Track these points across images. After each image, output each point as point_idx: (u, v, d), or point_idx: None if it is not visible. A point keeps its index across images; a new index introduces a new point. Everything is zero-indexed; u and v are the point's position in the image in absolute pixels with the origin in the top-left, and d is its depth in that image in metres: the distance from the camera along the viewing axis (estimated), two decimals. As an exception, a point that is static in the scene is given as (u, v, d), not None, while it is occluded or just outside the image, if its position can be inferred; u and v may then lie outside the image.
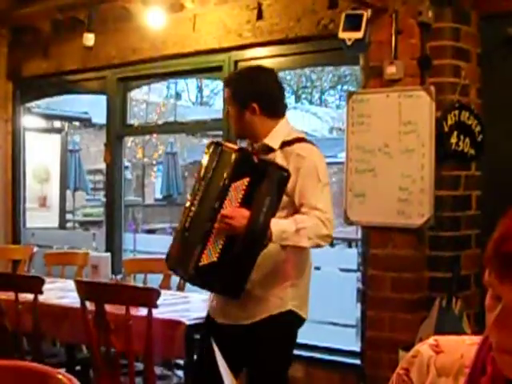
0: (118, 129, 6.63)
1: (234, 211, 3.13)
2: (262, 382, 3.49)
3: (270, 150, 3.38)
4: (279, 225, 3.18)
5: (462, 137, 4.36)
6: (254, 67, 3.76)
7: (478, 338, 1.34)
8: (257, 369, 3.48)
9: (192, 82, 33.01)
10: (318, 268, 13.95)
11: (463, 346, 1.38)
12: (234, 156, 3.18)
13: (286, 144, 3.36)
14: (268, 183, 3.15)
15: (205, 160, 3.34)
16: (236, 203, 3.15)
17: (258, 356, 3.43)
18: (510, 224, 1.19)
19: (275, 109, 3.43)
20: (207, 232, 3.19)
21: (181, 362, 4.54)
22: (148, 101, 23.62)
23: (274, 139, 3.38)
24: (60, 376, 1.99)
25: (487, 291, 1.23)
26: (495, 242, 1.19)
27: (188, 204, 3.36)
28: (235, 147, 3.29)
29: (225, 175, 3.17)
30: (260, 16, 5.40)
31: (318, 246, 3.33)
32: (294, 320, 3.47)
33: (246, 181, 3.13)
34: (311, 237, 3.25)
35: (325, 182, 3.35)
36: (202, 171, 3.33)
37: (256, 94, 3.37)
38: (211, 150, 3.33)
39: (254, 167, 3.17)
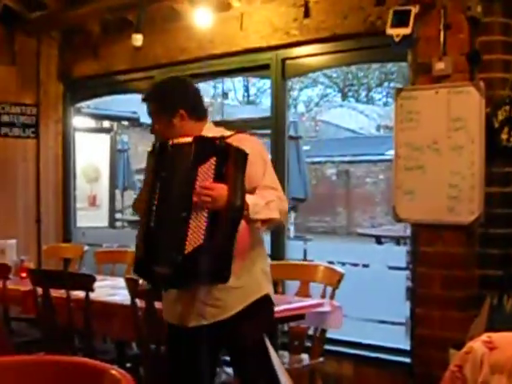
0: (166, 127, 6.67)
1: (212, 184, 3.08)
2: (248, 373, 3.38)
3: None
4: (250, 198, 3.15)
5: (512, 133, 4.30)
6: (168, 79, 3.75)
7: (531, 334, 1.33)
8: (241, 361, 3.40)
9: (239, 81, 33.10)
10: (366, 266, 13.89)
11: None
12: (193, 144, 3.18)
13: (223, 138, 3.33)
14: (234, 162, 3.13)
15: (151, 161, 3.33)
16: (209, 180, 3.10)
17: (242, 348, 3.35)
18: None
19: (199, 112, 3.46)
20: (185, 218, 3.09)
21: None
22: (195, 100, 23.71)
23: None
24: (114, 372, 2.02)
25: None
26: None
27: (144, 208, 3.28)
28: (189, 138, 3.24)
29: (189, 164, 3.14)
30: (307, 14, 5.40)
31: (280, 223, 3.36)
32: (270, 305, 3.42)
33: (213, 160, 3.11)
34: (279, 210, 3.24)
35: (269, 163, 3.39)
36: (152, 173, 3.29)
37: (181, 100, 3.41)
38: (157, 151, 3.32)
39: (216, 149, 3.15)
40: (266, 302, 3.38)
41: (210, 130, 3.41)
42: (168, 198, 3.21)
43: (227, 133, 3.39)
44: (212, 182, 3.07)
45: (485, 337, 1.41)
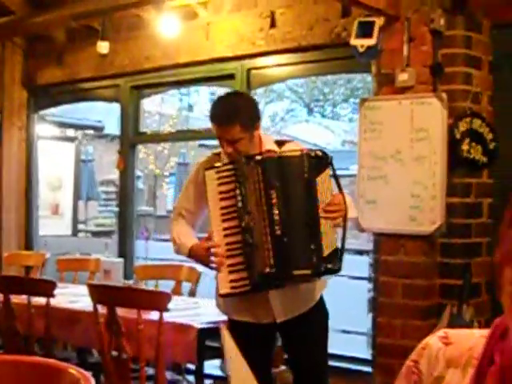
0: (131, 137, 6.67)
1: (336, 198, 3.44)
2: (313, 367, 3.74)
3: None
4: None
5: (473, 144, 4.36)
6: (233, 95, 3.97)
7: (486, 331, 1.35)
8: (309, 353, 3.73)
9: (204, 95, 33.11)
10: (328, 277, 13.88)
11: (472, 339, 1.38)
12: (304, 156, 3.46)
13: (279, 143, 3.69)
14: (333, 167, 3.48)
15: (253, 172, 3.47)
16: (329, 192, 3.45)
17: (314, 336, 3.71)
18: None
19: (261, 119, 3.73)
20: (316, 225, 3.43)
21: (192, 366, 4.54)
22: (161, 112, 23.71)
23: (268, 144, 3.66)
24: (73, 371, 2.01)
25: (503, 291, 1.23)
26: None
27: (262, 214, 3.46)
28: (297, 152, 3.52)
29: (305, 175, 3.45)
30: (273, 24, 5.44)
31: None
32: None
33: (327, 172, 3.46)
34: (354, 209, 3.65)
35: None
36: (259, 183, 3.47)
37: (257, 114, 3.65)
38: (257, 163, 3.48)
39: (326, 161, 3.47)
40: (322, 300, 3.78)
41: (266, 137, 3.73)
42: (291, 207, 3.49)
43: (273, 138, 3.76)
44: (331, 194, 3.44)
45: (441, 332, 1.43)
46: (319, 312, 3.74)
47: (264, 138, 3.69)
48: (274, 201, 3.46)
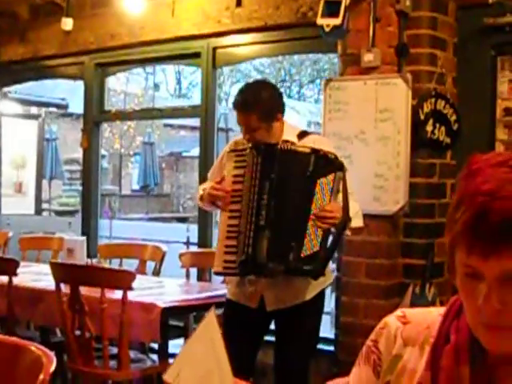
0: (95, 115, 6.61)
1: (333, 206, 3.41)
2: (300, 352, 3.79)
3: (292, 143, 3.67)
4: (350, 209, 3.48)
5: (437, 125, 4.39)
6: (256, 84, 3.91)
7: (444, 310, 1.36)
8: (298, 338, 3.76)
9: (171, 74, 32.93)
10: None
11: (430, 317, 1.39)
12: (312, 156, 3.44)
13: (301, 135, 3.69)
14: (345, 178, 3.46)
15: (252, 161, 3.53)
16: (327, 197, 3.41)
17: (306, 328, 3.76)
18: (479, 202, 1.18)
19: (285, 110, 3.73)
20: (302, 225, 3.41)
21: (155, 345, 4.54)
22: (126, 91, 23.54)
23: (289, 135, 3.67)
24: (34, 348, 1.99)
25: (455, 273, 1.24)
26: (469, 223, 1.18)
27: (251, 203, 3.51)
28: (307, 149, 3.50)
29: (307, 174, 3.43)
30: (239, 3, 5.40)
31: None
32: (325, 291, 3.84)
33: (332, 177, 3.42)
34: (361, 219, 3.64)
35: None
36: (256, 172, 3.51)
37: (278, 104, 3.67)
38: (259, 153, 3.53)
39: (335, 165, 3.46)
40: (324, 292, 3.80)
41: (289, 127, 3.70)
42: (281, 202, 3.49)
43: (299, 130, 3.74)
44: (330, 199, 3.40)
45: (399, 312, 1.44)
46: (314, 307, 3.75)
47: (287, 128, 3.70)
48: (266, 192, 3.49)
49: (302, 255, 3.41)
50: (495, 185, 1.17)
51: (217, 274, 3.84)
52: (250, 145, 3.60)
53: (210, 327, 1.31)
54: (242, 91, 3.68)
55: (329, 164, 3.45)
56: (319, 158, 3.45)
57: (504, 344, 1.21)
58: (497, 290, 1.17)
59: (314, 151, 3.47)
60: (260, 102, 3.57)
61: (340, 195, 3.46)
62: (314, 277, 3.52)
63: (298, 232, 3.43)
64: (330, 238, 3.48)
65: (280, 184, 3.49)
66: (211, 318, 1.31)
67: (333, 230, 3.44)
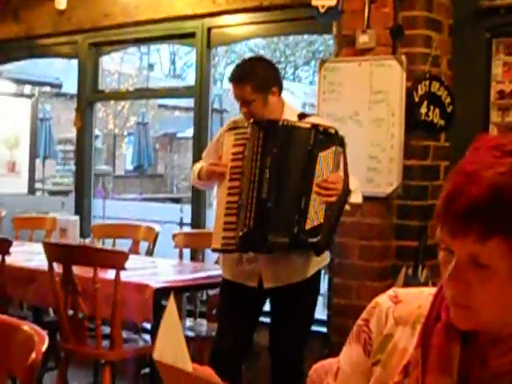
0: (89, 94, 6.58)
1: (335, 177, 3.45)
2: (296, 332, 3.83)
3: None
4: (351, 184, 3.54)
5: (431, 107, 4.38)
6: (253, 59, 4.09)
7: (435, 290, 1.37)
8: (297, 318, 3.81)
9: (165, 54, 32.81)
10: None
11: (421, 297, 1.40)
12: (313, 130, 3.48)
13: (301, 116, 3.73)
14: (344, 149, 3.51)
15: (254, 137, 3.55)
16: (328, 170, 3.45)
17: (301, 308, 3.81)
18: (457, 181, 1.19)
19: (282, 88, 3.77)
20: (306, 198, 3.44)
21: (148, 325, 4.54)
22: (120, 71, 23.46)
23: (289, 115, 3.71)
24: (26, 327, 1.99)
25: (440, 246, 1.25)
26: (444, 200, 1.19)
27: (253, 177, 3.54)
28: (307, 124, 3.55)
29: (308, 147, 3.47)
30: (234, -18, 5.37)
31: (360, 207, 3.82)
32: (321, 271, 3.88)
33: (332, 149, 3.46)
34: (360, 196, 3.67)
35: None
36: (258, 147, 3.54)
37: (274, 78, 3.72)
38: (262, 128, 3.56)
39: (335, 139, 3.50)
40: (321, 270, 3.86)
41: (288, 108, 3.76)
42: (283, 176, 3.53)
43: (299, 111, 3.81)
44: (332, 172, 3.44)
45: (391, 291, 1.45)
46: (311, 287, 3.79)
47: (287, 109, 3.75)
48: (268, 166, 3.52)
49: (306, 227, 3.44)
50: (478, 167, 1.17)
51: (214, 250, 3.85)
52: (251, 121, 3.62)
53: (171, 314, 1.35)
54: (238, 65, 3.80)
55: (329, 138, 3.50)
56: (319, 132, 3.49)
57: (469, 322, 1.22)
58: (462, 269, 1.19)
59: (314, 126, 3.51)
60: (254, 73, 3.64)
61: (341, 169, 3.49)
62: (318, 251, 3.55)
63: (301, 205, 3.46)
64: (334, 210, 3.49)
65: (282, 158, 3.53)
66: (171, 306, 1.36)
67: (334, 199, 3.45)
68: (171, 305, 1.35)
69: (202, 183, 3.92)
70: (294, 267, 3.70)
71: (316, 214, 3.44)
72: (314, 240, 3.44)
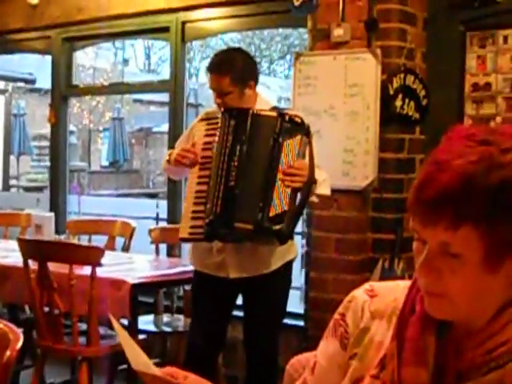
0: (63, 89, 6.54)
1: (300, 164, 3.47)
2: (267, 325, 3.85)
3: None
4: (317, 174, 3.56)
5: (406, 100, 4.40)
6: (231, 50, 4.10)
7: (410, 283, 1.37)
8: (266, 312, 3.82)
9: (140, 49, 32.70)
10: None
11: (397, 290, 1.40)
12: (279, 118, 3.52)
13: (273, 109, 3.73)
14: (310, 139, 3.56)
15: (224, 125, 3.59)
16: (293, 158, 3.48)
17: (271, 300, 3.82)
18: (428, 170, 1.19)
19: (258, 82, 3.79)
20: (271, 185, 3.48)
21: (125, 321, 4.52)
22: (95, 66, 23.34)
23: (262, 106, 3.74)
24: (0, 325, 1.97)
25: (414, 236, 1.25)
26: (415, 189, 1.20)
27: (222, 165, 3.56)
28: (274, 113, 3.60)
29: (274, 135, 3.50)
30: (208, -24, 5.35)
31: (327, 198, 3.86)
32: (291, 265, 3.88)
33: (299, 138, 3.50)
34: (328, 188, 3.69)
35: None
36: (228, 135, 3.57)
37: (252, 72, 3.75)
38: (232, 117, 3.59)
39: (301, 128, 3.53)
40: (291, 263, 3.85)
41: (262, 100, 3.79)
42: (251, 163, 3.56)
43: (272, 105, 3.82)
44: (296, 159, 3.47)
45: (367, 285, 1.45)
46: (279, 280, 3.81)
47: (261, 101, 3.78)
48: (237, 154, 3.55)
49: (270, 214, 3.46)
50: (449, 156, 1.18)
51: (182, 240, 3.87)
52: (222, 110, 3.65)
53: (121, 332, 1.44)
54: (216, 55, 3.81)
55: (295, 127, 3.53)
56: (285, 121, 3.52)
57: (442, 311, 1.23)
58: (434, 258, 1.19)
59: (281, 114, 3.55)
60: (234, 65, 3.65)
61: (306, 159, 3.52)
62: (282, 239, 3.56)
63: (266, 192, 3.49)
64: (298, 198, 3.51)
65: (250, 146, 3.56)
66: (117, 326, 1.46)
67: (299, 185, 3.47)
68: (117, 325, 1.45)
69: (173, 169, 3.91)
70: (259, 258, 3.71)
71: (280, 202, 3.46)
72: (278, 227, 3.46)
